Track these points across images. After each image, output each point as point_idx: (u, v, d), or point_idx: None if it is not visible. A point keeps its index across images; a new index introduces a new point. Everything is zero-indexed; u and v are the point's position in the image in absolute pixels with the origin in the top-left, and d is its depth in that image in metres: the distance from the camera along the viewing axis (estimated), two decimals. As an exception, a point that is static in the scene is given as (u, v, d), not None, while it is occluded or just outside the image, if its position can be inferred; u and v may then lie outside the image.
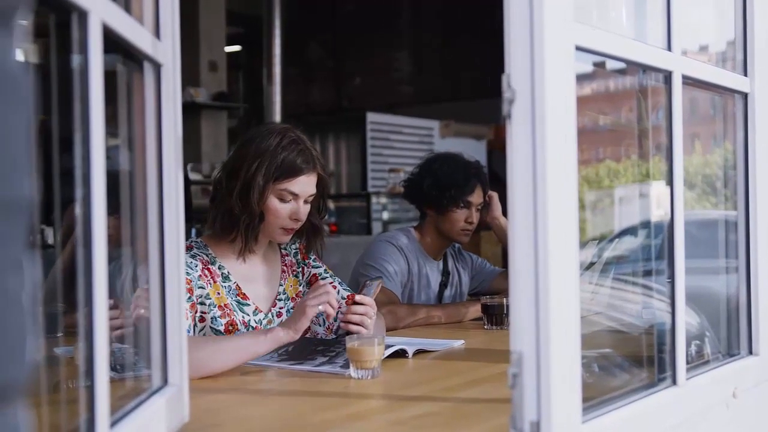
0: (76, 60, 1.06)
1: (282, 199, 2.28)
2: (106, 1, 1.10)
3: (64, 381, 1.40)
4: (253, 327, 2.30)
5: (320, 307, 2.06)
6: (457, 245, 3.30)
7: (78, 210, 1.05)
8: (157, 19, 1.42)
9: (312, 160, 2.31)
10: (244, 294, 2.33)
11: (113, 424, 1.14)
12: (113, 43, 1.16)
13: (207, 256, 2.30)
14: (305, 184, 2.30)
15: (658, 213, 1.97)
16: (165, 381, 1.43)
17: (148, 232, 1.42)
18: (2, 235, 0.60)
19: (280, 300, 2.42)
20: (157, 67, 1.41)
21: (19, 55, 0.63)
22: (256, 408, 1.77)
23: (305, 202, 2.32)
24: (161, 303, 1.43)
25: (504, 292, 3.05)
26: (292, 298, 2.45)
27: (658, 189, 1.92)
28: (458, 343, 2.45)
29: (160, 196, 1.42)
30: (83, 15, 1.04)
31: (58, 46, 1.09)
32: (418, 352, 2.28)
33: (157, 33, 1.41)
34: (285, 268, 2.47)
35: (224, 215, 2.29)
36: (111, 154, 1.15)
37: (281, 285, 2.44)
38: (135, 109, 1.41)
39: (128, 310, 1.55)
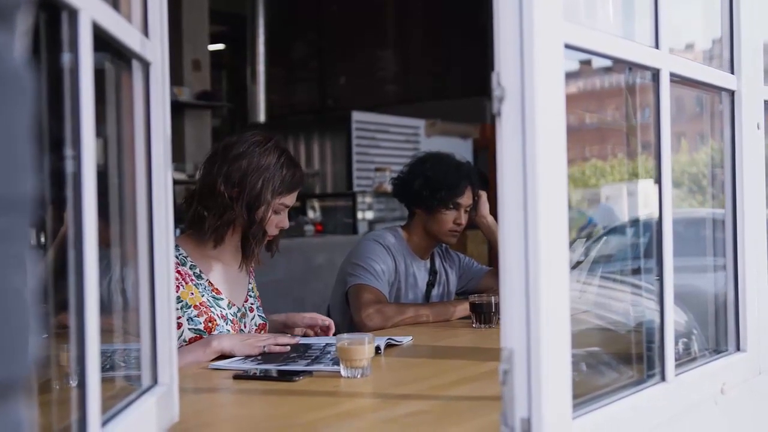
0: (65, 58, 1.06)
1: (276, 212, 2.41)
2: (95, -1, 1.10)
3: (51, 381, 1.39)
4: (230, 320, 2.40)
5: (265, 349, 2.23)
6: (444, 244, 3.30)
7: (68, 210, 1.05)
8: (145, 17, 1.42)
9: (303, 175, 2.49)
10: (217, 289, 2.42)
11: (104, 423, 1.13)
12: (102, 41, 1.16)
13: (177, 257, 2.33)
14: (295, 197, 2.48)
15: (645, 211, 1.98)
16: (155, 380, 1.43)
17: (137, 232, 1.41)
18: (6, 231, 0.60)
19: (251, 296, 2.55)
20: (145, 65, 1.40)
21: (21, 54, 0.63)
22: (246, 408, 1.77)
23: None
24: (151, 303, 1.43)
25: (492, 290, 3.05)
26: (258, 296, 2.60)
27: (645, 187, 1.94)
28: (407, 339, 2.49)
29: (149, 196, 1.41)
30: (73, 13, 1.03)
31: (47, 44, 1.09)
32: (388, 346, 2.34)
33: (145, 31, 1.41)
34: (251, 269, 2.59)
35: (225, 226, 2.37)
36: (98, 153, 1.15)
37: (250, 284, 2.57)
38: (123, 108, 1.41)
39: (115, 310, 1.55)
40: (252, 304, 2.54)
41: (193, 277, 2.37)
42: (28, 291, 0.63)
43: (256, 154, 2.37)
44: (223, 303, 2.41)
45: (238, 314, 2.45)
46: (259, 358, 2.17)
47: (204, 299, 2.36)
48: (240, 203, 2.35)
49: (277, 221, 2.42)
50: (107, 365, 1.42)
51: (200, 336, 2.30)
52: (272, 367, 2.05)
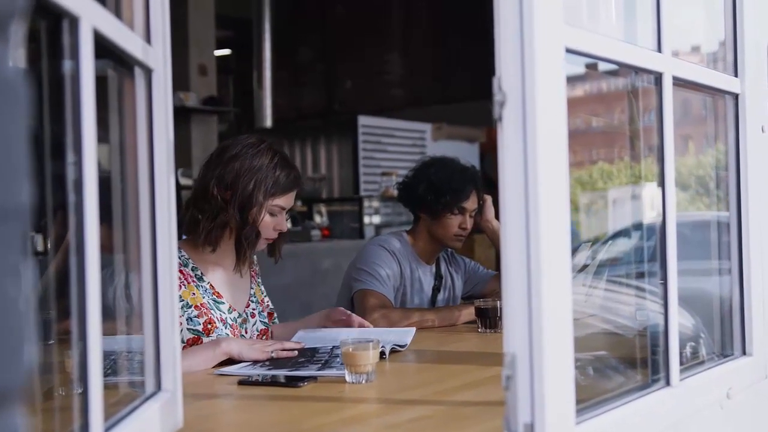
0: (67, 65, 1.06)
1: (272, 214, 2.41)
2: (96, 6, 1.10)
3: (56, 388, 1.40)
4: (230, 324, 2.40)
5: (273, 354, 2.23)
6: (450, 249, 3.30)
7: (70, 217, 1.05)
8: (147, 24, 1.42)
9: (299, 177, 2.48)
10: (219, 293, 2.42)
11: (107, 430, 1.13)
12: (104, 48, 1.16)
13: (180, 258, 2.33)
14: (292, 199, 2.46)
15: (651, 215, 1.98)
16: (158, 387, 1.43)
17: (141, 238, 1.41)
18: (1, 240, 0.60)
19: (252, 302, 2.54)
20: (148, 72, 1.41)
21: (16, 62, 0.64)
22: (250, 414, 1.77)
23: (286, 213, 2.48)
24: (154, 309, 1.43)
25: (497, 295, 3.04)
26: (260, 301, 2.58)
27: (651, 190, 1.93)
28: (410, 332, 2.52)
29: (152, 203, 1.42)
30: (74, 21, 1.04)
31: (48, 52, 1.09)
32: (393, 352, 2.34)
33: (147, 38, 1.41)
34: (253, 274, 2.59)
35: (219, 228, 2.37)
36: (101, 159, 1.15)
37: (252, 289, 2.56)
38: (126, 115, 1.41)
39: (121, 317, 1.55)
40: (254, 309, 2.53)
41: (195, 279, 2.38)
42: (24, 300, 0.63)
43: (248, 155, 2.37)
44: (224, 307, 2.41)
45: (239, 319, 2.45)
46: (268, 363, 2.17)
47: (204, 301, 2.36)
48: (233, 205, 2.35)
49: (274, 224, 2.41)
50: (110, 370, 1.42)
51: (198, 337, 2.30)
52: (282, 373, 2.04)
